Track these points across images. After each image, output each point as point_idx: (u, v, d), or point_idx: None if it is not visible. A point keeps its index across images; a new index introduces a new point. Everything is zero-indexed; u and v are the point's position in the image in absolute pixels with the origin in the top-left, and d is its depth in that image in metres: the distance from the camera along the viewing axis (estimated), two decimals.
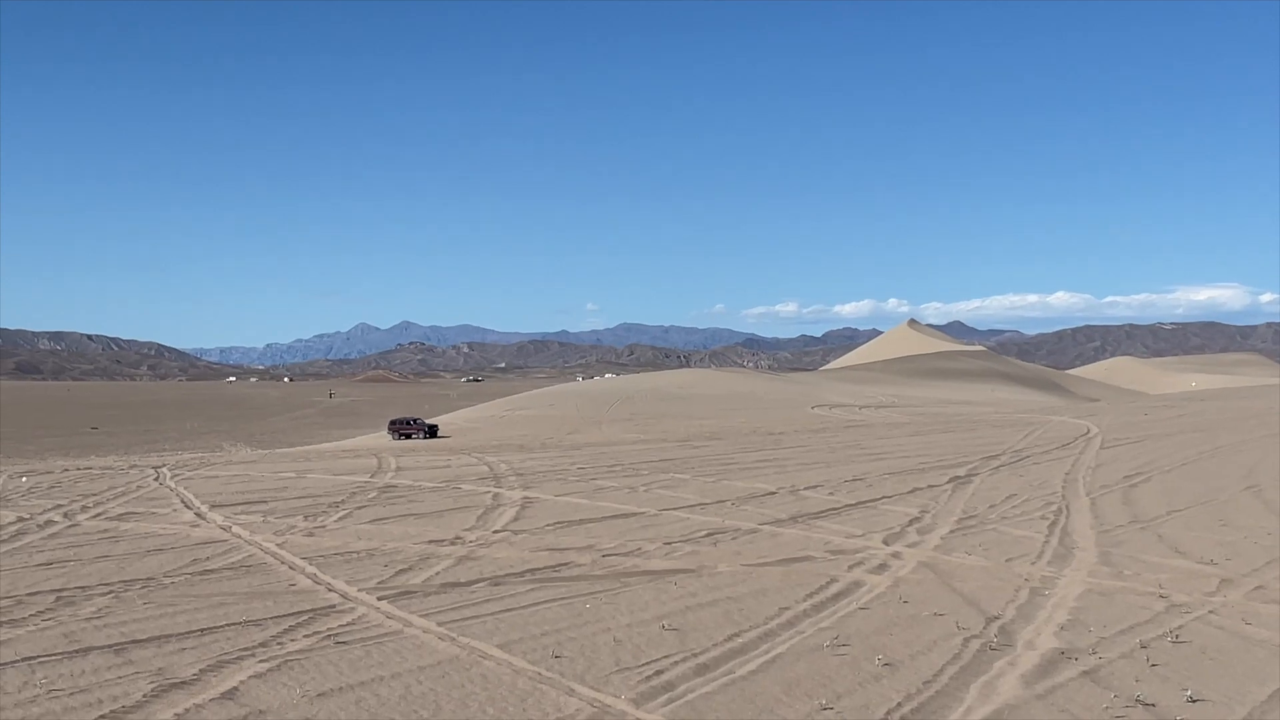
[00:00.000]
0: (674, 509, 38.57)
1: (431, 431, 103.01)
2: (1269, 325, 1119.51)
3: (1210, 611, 22.53)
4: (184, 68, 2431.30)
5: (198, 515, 38.21)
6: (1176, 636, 20.40)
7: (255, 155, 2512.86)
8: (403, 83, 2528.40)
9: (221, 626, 21.41)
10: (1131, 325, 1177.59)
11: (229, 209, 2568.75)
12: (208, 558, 29.47)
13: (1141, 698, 16.73)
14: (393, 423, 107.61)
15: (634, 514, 37.52)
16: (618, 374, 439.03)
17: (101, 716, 16.00)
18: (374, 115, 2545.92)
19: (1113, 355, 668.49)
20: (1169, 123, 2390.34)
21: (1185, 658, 19.03)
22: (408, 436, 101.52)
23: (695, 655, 19.13)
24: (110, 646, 19.89)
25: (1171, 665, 18.52)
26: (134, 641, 20.26)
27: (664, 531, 33.52)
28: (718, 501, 40.59)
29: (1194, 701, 16.61)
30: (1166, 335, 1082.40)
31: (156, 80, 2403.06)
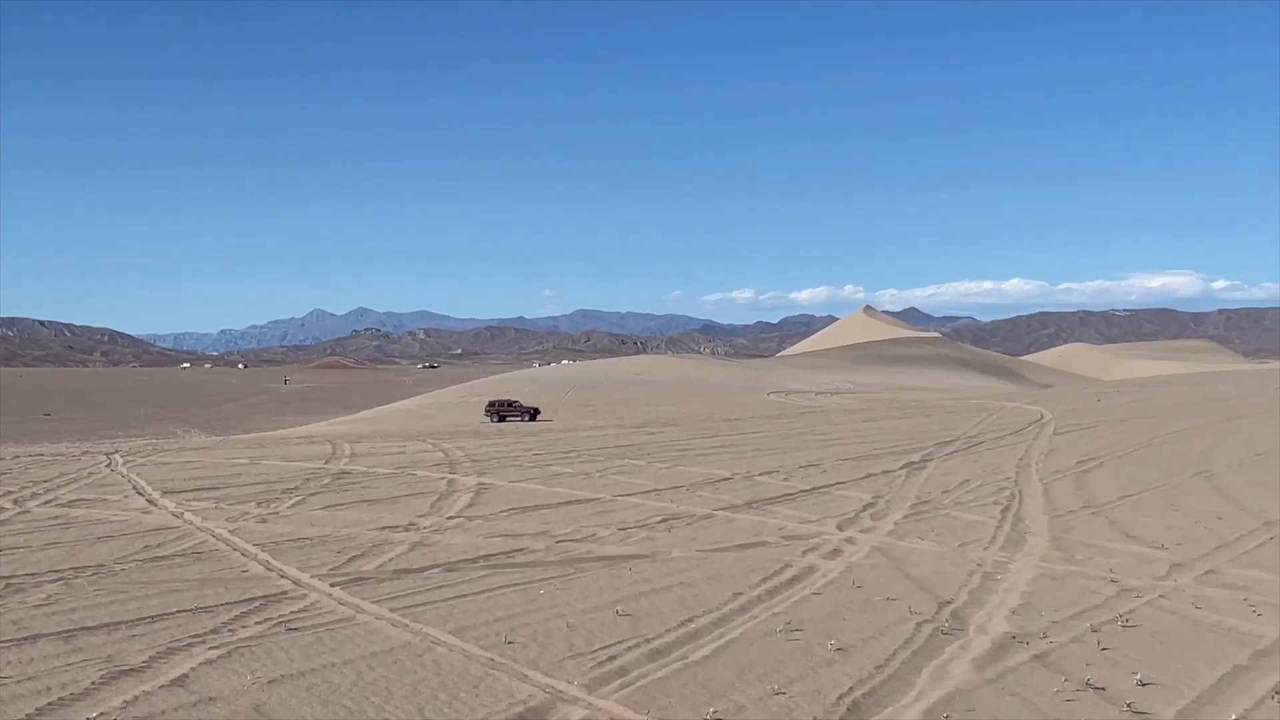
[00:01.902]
0: (629, 495, 38.57)
1: (533, 415, 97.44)
2: (1221, 312, 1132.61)
3: (1161, 596, 22.66)
4: (134, 54, 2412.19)
5: (150, 502, 37.93)
6: (1127, 620, 20.51)
7: (209, 141, 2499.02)
8: (357, 69, 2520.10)
9: (172, 613, 21.24)
10: (1085, 312, 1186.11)
11: (183, 194, 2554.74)
12: (159, 544, 29.24)
13: (1092, 681, 16.81)
14: (491, 404, 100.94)
15: (589, 500, 37.49)
16: (574, 360, 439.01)
17: (50, 704, 15.84)
18: (329, 102, 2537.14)
19: (1067, 342, 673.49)
20: (1123, 112, 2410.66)
21: (1135, 642, 19.13)
22: (504, 419, 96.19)
23: (649, 641, 19.10)
24: (59, 634, 19.71)
25: (1122, 649, 18.62)
26: (83, 629, 20.09)
27: (619, 517, 33.50)
28: (673, 487, 40.60)
29: (1144, 685, 16.70)
30: (1120, 322, 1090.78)
31: (108, 67, 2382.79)
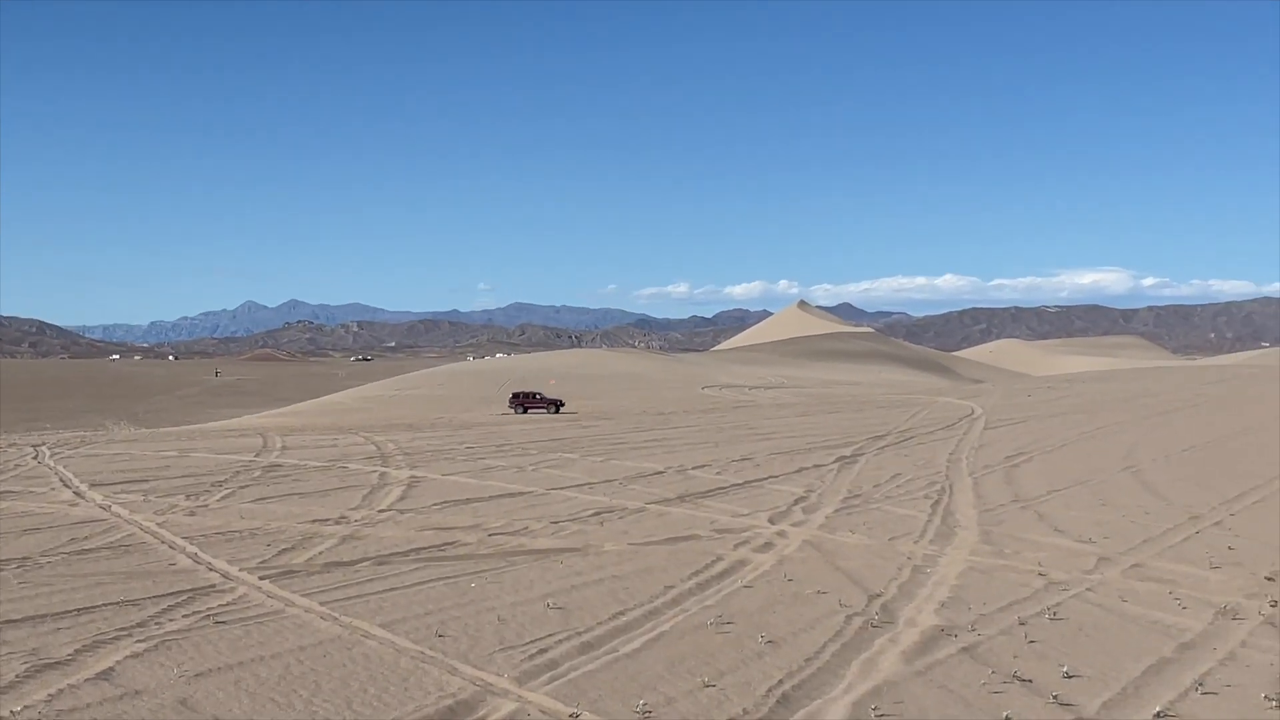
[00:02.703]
0: (562, 488, 38.55)
1: (557, 407, 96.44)
2: (1150, 309, 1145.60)
3: (1088, 589, 22.92)
4: (63, 39, 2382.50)
5: (77, 494, 37.49)
6: (1054, 614, 20.72)
7: (138, 128, 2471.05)
8: (288, 61, 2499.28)
9: (98, 606, 21.01)
10: (1017, 308, 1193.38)
11: (111, 183, 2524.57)
12: (86, 537, 28.90)
13: (1019, 673, 16.97)
14: (515, 395, 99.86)
15: (521, 493, 37.45)
16: (509, 354, 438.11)
17: None
18: (261, 90, 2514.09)
19: (998, 337, 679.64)
20: (1052, 108, 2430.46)
21: (1063, 634, 19.33)
22: (527, 410, 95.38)
23: (579, 634, 19.10)
24: None
25: (1049, 642, 18.81)
26: (8, 622, 19.80)
27: (551, 511, 33.48)
28: (606, 481, 40.63)
29: (1070, 677, 16.87)
30: (1051, 318, 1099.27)
31: (34, 53, 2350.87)
